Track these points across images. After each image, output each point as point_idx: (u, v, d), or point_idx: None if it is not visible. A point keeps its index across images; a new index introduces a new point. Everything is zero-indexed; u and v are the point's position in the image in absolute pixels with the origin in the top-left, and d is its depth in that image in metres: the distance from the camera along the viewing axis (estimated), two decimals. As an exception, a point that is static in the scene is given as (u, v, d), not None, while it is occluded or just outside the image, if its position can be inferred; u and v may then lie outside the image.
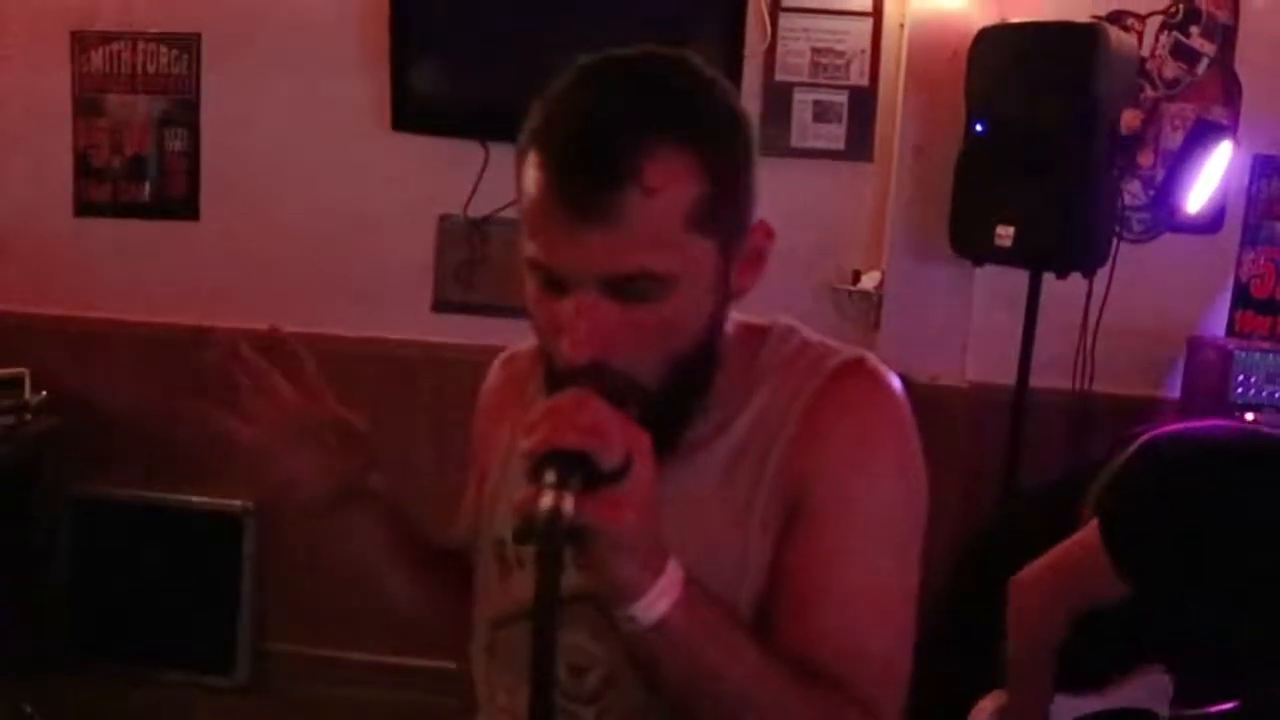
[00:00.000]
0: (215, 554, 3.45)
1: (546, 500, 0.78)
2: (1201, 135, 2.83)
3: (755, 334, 1.05)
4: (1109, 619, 1.96)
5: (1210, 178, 2.76)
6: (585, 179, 0.88)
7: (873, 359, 1.04)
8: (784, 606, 0.97)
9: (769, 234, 0.99)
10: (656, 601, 0.84)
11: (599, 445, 0.80)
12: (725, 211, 0.93)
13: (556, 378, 0.93)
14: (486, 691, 1.08)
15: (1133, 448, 2.06)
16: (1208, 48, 3.14)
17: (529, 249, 0.93)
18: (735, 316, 1.04)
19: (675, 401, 0.96)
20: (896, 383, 1.03)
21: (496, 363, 1.21)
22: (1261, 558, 1.89)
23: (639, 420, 0.86)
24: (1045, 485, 2.43)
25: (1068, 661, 2.00)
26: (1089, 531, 1.96)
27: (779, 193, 3.23)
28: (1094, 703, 2.08)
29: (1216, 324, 3.23)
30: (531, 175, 0.91)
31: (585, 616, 0.95)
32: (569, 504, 0.78)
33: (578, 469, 0.80)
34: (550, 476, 0.79)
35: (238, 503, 3.43)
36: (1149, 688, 2.13)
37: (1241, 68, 3.13)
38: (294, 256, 3.38)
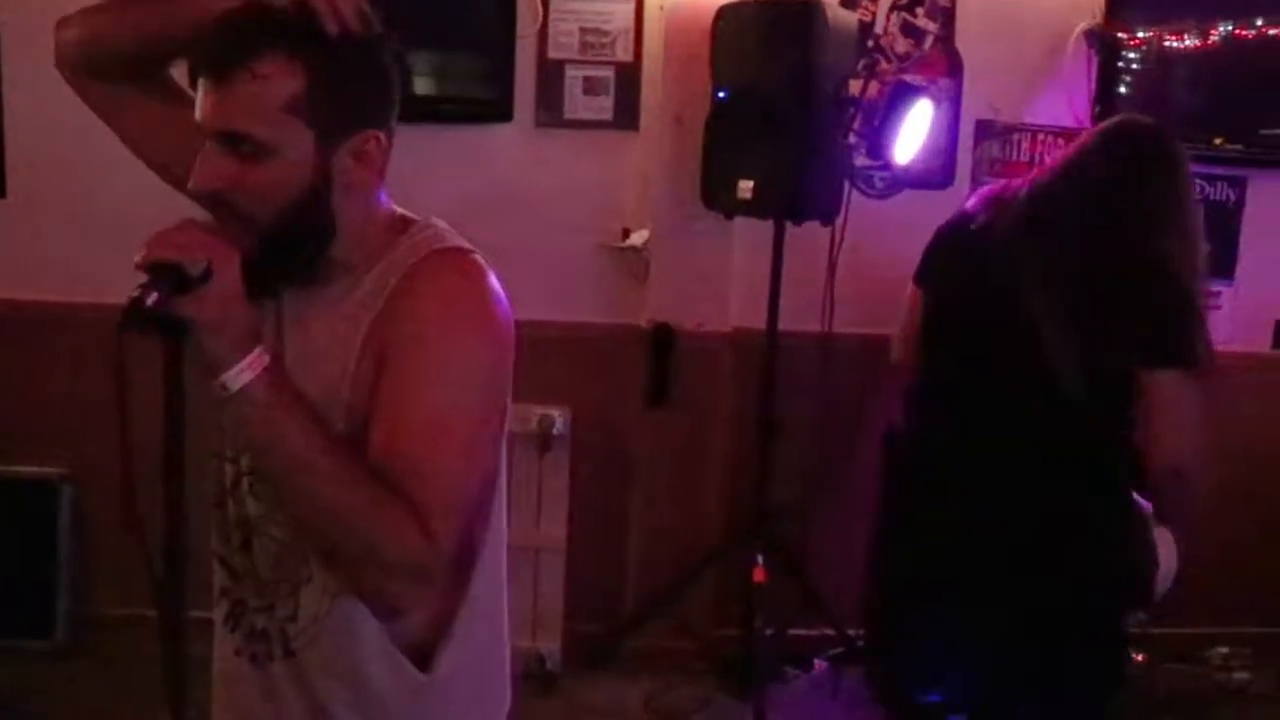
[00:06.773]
0: (33, 521, 3.56)
1: (135, 295, 1.06)
2: (900, 95, 3.20)
3: (405, 223, 1.32)
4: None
5: (914, 132, 3.12)
6: (214, 58, 1.19)
7: (472, 256, 1.29)
8: (370, 435, 1.20)
9: (380, 144, 1.25)
10: (241, 373, 1.11)
11: (183, 257, 1.08)
12: (324, 111, 1.20)
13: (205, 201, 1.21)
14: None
15: None
16: (932, 26, 3.54)
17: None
18: (398, 210, 1.34)
19: (283, 241, 1.22)
20: (481, 267, 1.29)
21: None
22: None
23: (249, 244, 1.15)
24: None
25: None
26: None
27: (555, 160, 3.57)
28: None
29: (952, 271, 3.62)
30: None
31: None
32: (152, 299, 1.06)
33: (169, 274, 1.08)
34: (142, 280, 1.07)
35: (54, 471, 3.55)
36: None
37: (961, 44, 3.55)
38: (99, 230, 3.53)
